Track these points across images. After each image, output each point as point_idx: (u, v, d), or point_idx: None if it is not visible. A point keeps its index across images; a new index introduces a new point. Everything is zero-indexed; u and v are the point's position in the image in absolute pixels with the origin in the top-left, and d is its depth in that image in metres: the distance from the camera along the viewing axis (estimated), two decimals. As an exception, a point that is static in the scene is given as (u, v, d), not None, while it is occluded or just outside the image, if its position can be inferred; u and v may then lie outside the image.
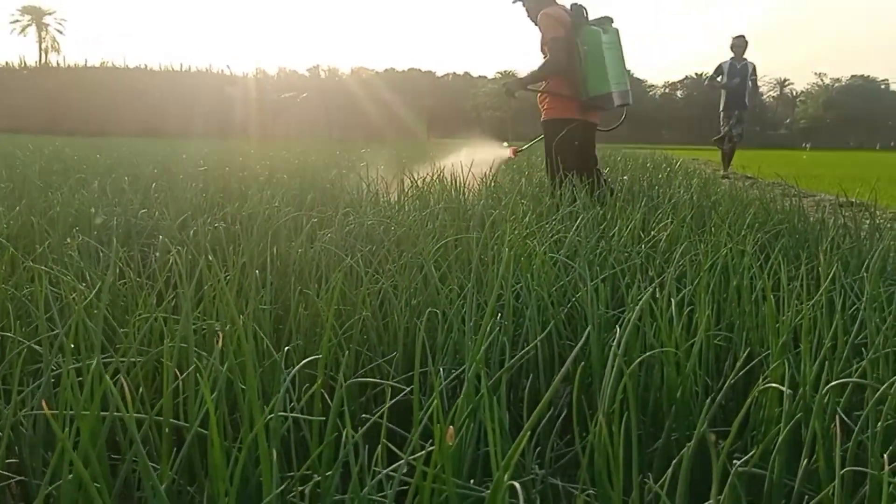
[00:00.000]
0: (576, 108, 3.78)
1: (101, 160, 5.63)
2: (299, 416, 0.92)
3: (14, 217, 2.18)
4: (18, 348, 1.14)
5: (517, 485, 0.65)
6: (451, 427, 0.69)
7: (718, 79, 8.59)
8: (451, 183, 3.57)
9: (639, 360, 0.98)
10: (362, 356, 1.39)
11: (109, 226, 2.27)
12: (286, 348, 1.25)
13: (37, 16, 61.89)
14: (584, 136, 3.86)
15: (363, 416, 1.23)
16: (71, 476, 0.71)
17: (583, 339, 1.06)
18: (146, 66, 30.36)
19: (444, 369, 1.31)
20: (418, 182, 3.80)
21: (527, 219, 2.33)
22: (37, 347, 1.19)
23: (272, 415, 0.83)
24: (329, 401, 1.14)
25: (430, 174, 3.90)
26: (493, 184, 3.75)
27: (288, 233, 2.18)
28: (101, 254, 1.90)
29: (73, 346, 1.05)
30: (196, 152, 7.99)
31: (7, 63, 31.49)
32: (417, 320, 1.48)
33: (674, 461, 0.84)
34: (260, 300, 1.49)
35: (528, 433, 0.74)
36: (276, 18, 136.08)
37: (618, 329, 1.09)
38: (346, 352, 1.30)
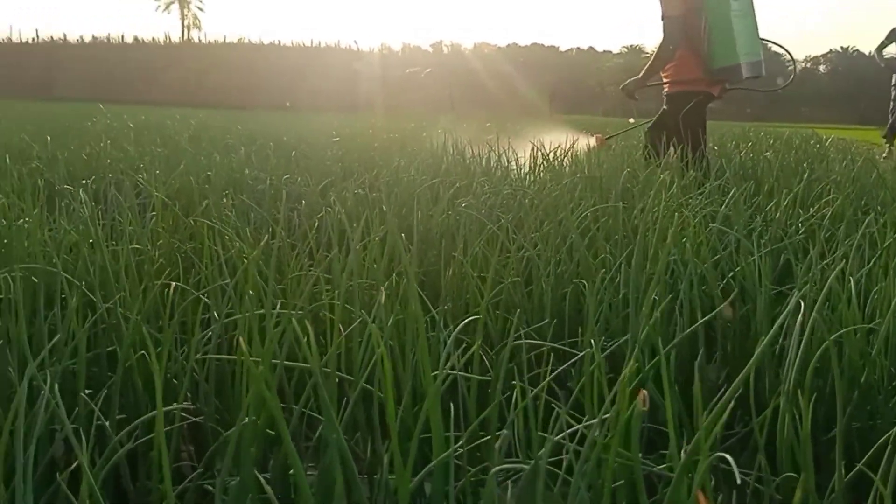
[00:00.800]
0: (702, 80, 3.61)
1: (242, 130, 5.91)
2: (471, 375, 0.91)
3: (175, 178, 2.32)
4: (189, 298, 1.20)
5: (728, 457, 0.61)
6: (642, 391, 0.65)
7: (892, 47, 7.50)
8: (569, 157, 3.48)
9: (833, 337, 0.90)
10: (509, 323, 1.37)
11: (258, 189, 2.36)
12: (436, 310, 1.25)
13: (180, -6, 65.72)
14: (704, 109, 3.72)
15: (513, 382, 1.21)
16: (253, 419, 0.73)
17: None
18: (279, 42, 31.65)
19: (594, 341, 1.27)
20: (547, 155, 3.73)
21: (673, 189, 2.22)
22: (205, 299, 1.25)
23: (441, 371, 0.82)
24: (488, 364, 1.14)
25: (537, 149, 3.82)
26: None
27: (427, 200, 2.19)
28: (252, 214, 1.98)
29: (240, 297, 1.09)
30: (328, 124, 8.24)
31: (153, 39, 33.71)
32: (565, 290, 1.45)
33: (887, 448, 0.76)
34: (406, 263, 1.50)
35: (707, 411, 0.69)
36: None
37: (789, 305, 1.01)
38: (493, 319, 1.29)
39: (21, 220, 1.63)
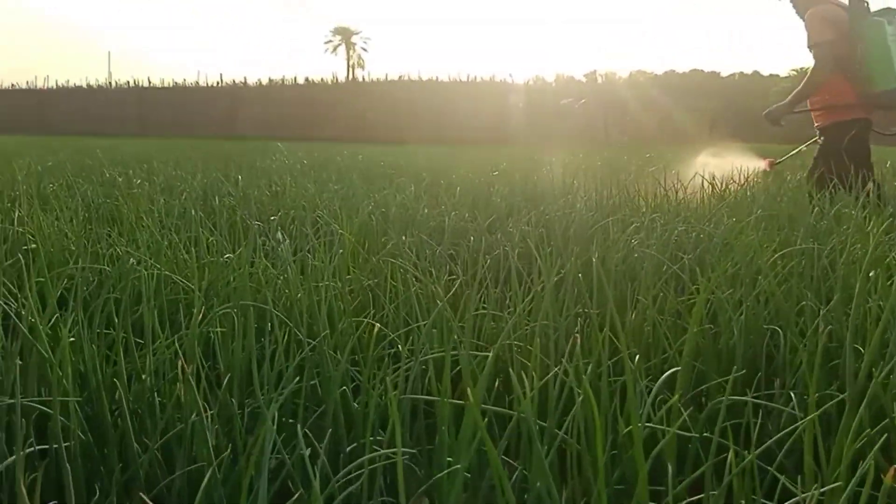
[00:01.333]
0: (859, 106, 3.51)
1: (406, 165, 6.14)
2: (672, 429, 0.88)
3: (351, 212, 2.45)
4: (372, 332, 1.25)
5: None
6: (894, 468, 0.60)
7: None
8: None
9: None
10: (696, 371, 1.31)
11: (430, 225, 2.44)
12: (616, 358, 1.22)
13: (346, 36, 69.99)
14: (866, 135, 3.59)
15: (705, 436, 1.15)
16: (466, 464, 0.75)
17: None
18: (437, 79, 32.76)
19: (794, 393, 1.18)
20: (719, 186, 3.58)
21: (871, 227, 2.05)
22: (392, 335, 1.30)
23: (642, 424, 0.80)
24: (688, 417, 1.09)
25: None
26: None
27: (599, 238, 2.16)
28: (427, 250, 2.04)
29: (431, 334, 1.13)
30: (486, 158, 8.40)
31: (322, 79, 36.07)
32: (754, 338, 1.36)
33: None
34: (583, 304, 1.48)
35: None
36: (553, 25, 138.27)
37: None
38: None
39: (227, 256, 1.78)
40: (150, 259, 1.62)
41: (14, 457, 0.78)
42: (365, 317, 1.44)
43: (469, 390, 0.71)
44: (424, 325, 1.14)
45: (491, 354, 0.88)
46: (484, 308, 1.45)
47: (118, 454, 0.94)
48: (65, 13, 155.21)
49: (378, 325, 1.13)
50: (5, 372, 1.06)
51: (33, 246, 2.05)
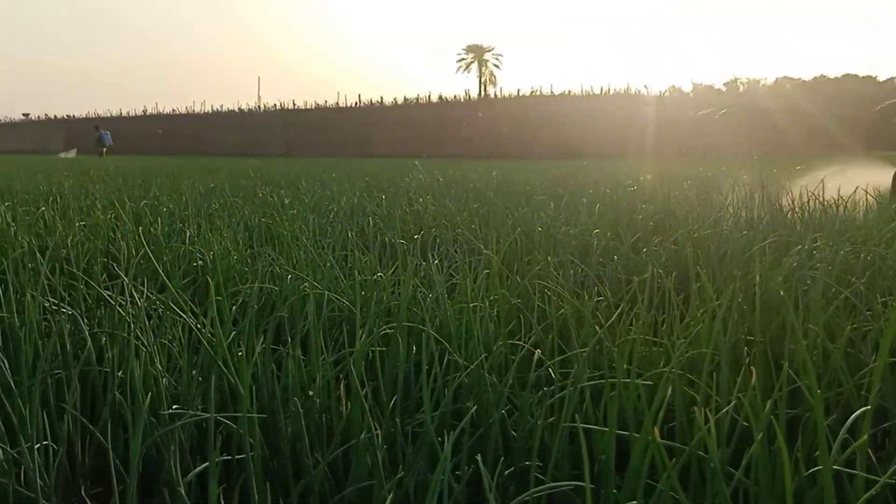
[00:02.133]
0: None
1: (539, 181, 6.12)
2: (859, 472, 0.82)
3: (491, 230, 2.47)
4: (520, 353, 1.25)
5: None
6: None
7: None
8: None
9: None
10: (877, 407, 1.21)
11: (572, 244, 2.41)
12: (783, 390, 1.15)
13: (478, 53, 71.01)
14: None
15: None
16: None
17: None
18: (569, 92, 32.49)
19: None
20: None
21: None
22: (539, 355, 1.29)
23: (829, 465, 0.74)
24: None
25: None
26: None
27: (756, 257, 2.05)
28: (572, 271, 2.02)
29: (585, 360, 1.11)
30: (621, 172, 8.22)
31: (455, 96, 36.76)
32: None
33: None
34: (746, 331, 1.41)
35: None
36: (690, 32, 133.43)
37: None
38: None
39: (375, 276, 1.85)
40: (310, 277, 1.70)
41: (207, 463, 0.85)
42: (516, 339, 1.45)
43: (655, 430, 0.69)
44: (582, 352, 1.12)
45: (660, 387, 0.85)
46: (635, 331, 1.42)
47: (292, 467, 0.99)
48: (220, 42, 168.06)
49: (537, 351, 1.12)
50: (190, 385, 1.15)
51: (200, 262, 2.22)
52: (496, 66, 70.75)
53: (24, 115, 59.57)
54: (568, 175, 7.70)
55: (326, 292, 1.49)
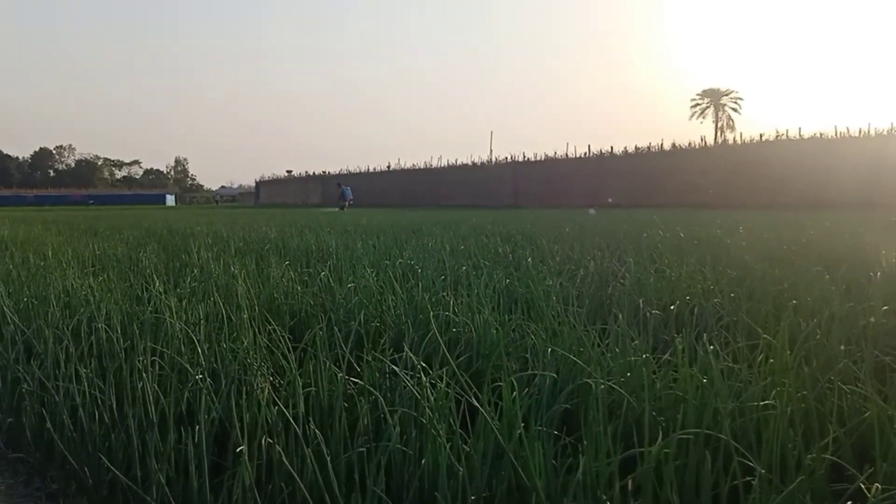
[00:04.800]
0: None
1: (798, 240, 5.61)
2: None
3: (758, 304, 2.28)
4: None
5: None
6: None
7: None
8: None
9: None
10: None
11: (860, 326, 2.15)
12: None
13: (714, 98, 67.84)
14: None
15: None
16: None
17: None
18: (821, 135, 29.70)
19: None
20: None
21: None
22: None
23: None
24: None
25: None
26: None
27: None
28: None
29: None
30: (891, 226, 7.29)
31: (690, 143, 35.30)
32: None
33: None
34: None
35: None
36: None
37: None
38: None
39: (642, 357, 1.78)
40: (591, 367, 1.68)
41: None
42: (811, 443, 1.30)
43: None
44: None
45: None
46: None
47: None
48: (455, 97, 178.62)
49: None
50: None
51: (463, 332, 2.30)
52: (735, 109, 67.10)
53: (287, 171, 68.34)
54: (833, 231, 6.97)
55: (610, 384, 1.45)
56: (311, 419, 1.48)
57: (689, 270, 3.26)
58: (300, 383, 1.57)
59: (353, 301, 2.71)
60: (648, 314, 2.58)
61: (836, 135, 29.35)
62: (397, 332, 2.34)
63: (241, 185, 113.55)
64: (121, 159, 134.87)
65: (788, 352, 1.70)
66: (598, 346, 1.95)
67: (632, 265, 3.50)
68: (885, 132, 28.11)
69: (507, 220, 11.01)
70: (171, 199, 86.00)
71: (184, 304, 2.63)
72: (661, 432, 1.27)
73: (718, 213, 17.69)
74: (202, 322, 2.33)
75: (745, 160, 31.08)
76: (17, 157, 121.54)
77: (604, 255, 4.30)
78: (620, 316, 2.18)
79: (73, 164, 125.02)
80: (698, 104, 68.56)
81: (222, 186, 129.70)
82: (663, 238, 5.95)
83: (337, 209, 29.73)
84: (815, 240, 5.65)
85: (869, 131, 28.65)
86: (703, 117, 68.60)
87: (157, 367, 1.86)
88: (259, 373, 1.67)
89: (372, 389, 1.58)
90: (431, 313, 2.38)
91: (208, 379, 1.66)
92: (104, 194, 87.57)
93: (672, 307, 2.63)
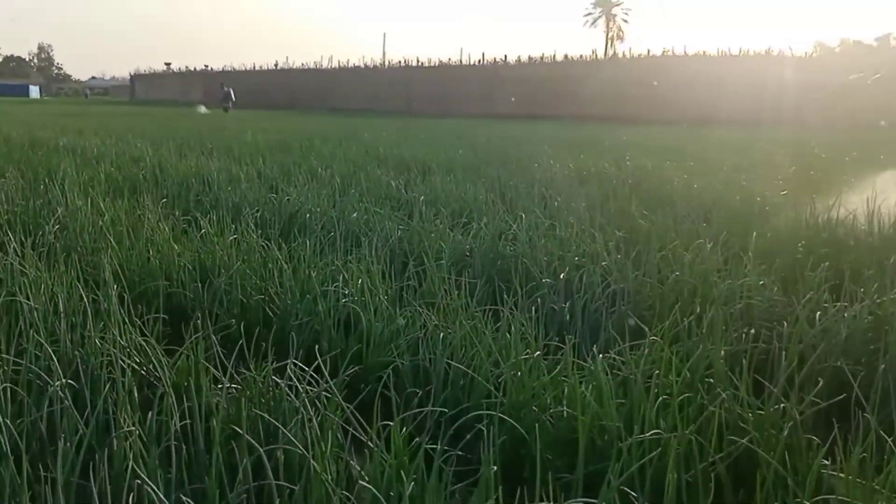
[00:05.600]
0: None
1: (678, 161, 5.79)
2: None
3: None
4: None
5: None
6: None
7: None
8: None
9: None
10: None
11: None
12: None
13: (606, 7, 68.38)
14: None
15: None
16: None
17: None
18: (704, 53, 30.66)
19: None
20: None
21: None
22: None
23: None
24: None
25: None
26: None
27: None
28: None
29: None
30: (770, 145, 7.68)
31: (581, 56, 35.60)
32: None
33: None
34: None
35: None
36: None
37: None
38: None
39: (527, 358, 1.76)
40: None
41: None
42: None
43: None
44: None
45: None
46: None
47: None
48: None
49: None
50: None
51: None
52: (624, 20, 67.94)
53: (166, 64, 63.64)
54: (728, 147, 7.23)
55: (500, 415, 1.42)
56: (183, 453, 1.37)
57: (579, 229, 3.29)
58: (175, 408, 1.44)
59: (235, 268, 2.55)
60: (539, 282, 2.59)
61: (717, 53, 30.40)
62: (282, 320, 2.24)
63: (113, 77, 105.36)
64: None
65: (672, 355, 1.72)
66: (492, 337, 1.92)
67: (523, 221, 3.49)
68: (762, 52, 29.40)
69: (399, 139, 10.79)
70: (35, 91, 78.78)
71: (42, 273, 2.38)
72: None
73: (606, 127, 18.08)
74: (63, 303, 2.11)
75: (635, 74, 31.74)
76: None
77: (496, 203, 4.27)
78: (513, 302, 2.15)
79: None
80: (591, 13, 68.98)
81: (93, 77, 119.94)
82: (554, 175, 5.99)
83: (221, 110, 28.33)
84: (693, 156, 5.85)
85: (748, 51, 29.86)
86: (595, 27, 69.25)
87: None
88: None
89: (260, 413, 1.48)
90: (319, 292, 2.28)
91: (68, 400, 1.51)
92: (-53, 84, 79.14)
93: (562, 276, 2.63)
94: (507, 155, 8.04)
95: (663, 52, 32.10)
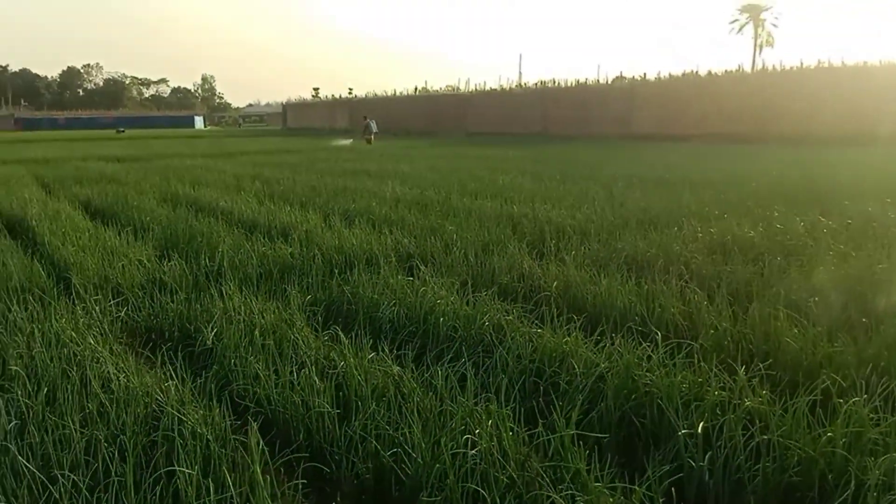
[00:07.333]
0: None
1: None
2: None
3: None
4: None
5: None
6: None
7: None
8: None
9: None
10: None
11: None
12: None
13: (754, 13, 64.78)
14: None
15: None
16: None
17: None
18: (866, 63, 28.26)
19: None
20: None
21: None
22: None
23: None
24: None
25: None
26: None
27: None
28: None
29: None
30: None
31: (726, 71, 33.93)
32: None
33: None
34: None
35: None
36: None
37: None
38: None
39: None
40: None
41: None
42: None
43: None
44: None
45: None
46: None
47: None
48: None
49: None
50: None
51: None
52: (774, 25, 64.13)
53: (314, 89, 67.62)
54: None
55: None
56: None
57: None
58: None
59: (371, 410, 2.64)
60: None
61: (880, 64, 28.01)
62: (412, 490, 2.30)
63: (268, 104, 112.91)
64: (148, 77, 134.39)
65: None
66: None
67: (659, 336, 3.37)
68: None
69: (535, 188, 10.69)
70: (199, 122, 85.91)
71: (197, 412, 2.59)
72: None
73: (755, 149, 17.00)
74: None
75: (787, 87, 29.84)
76: (46, 77, 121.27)
77: (631, 299, 4.15)
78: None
79: (101, 84, 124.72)
80: (737, 20, 65.70)
81: (249, 105, 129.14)
82: (696, 247, 5.74)
83: (363, 141, 29.64)
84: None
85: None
86: (741, 34, 65.99)
87: None
88: None
89: None
90: (448, 460, 2.32)
91: None
92: (134, 116, 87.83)
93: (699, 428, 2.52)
94: (645, 208, 7.79)
95: (818, 63, 29.94)
